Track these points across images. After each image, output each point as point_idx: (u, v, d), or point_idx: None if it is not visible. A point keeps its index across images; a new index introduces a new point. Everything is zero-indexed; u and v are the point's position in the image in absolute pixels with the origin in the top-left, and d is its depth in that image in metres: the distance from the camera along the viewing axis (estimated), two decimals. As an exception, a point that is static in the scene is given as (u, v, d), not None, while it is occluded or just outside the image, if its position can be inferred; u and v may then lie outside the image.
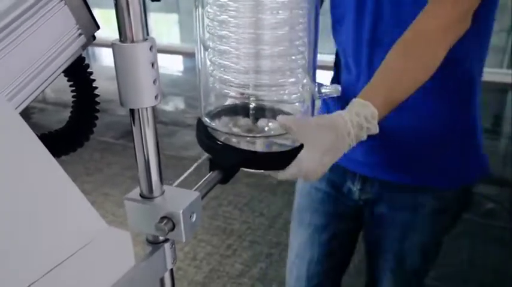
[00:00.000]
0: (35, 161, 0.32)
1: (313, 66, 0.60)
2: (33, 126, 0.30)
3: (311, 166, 0.57)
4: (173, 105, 4.02)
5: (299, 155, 0.57)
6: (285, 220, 2.30)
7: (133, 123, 0.44)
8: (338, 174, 0.99)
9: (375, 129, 0.63)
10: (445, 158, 0.89)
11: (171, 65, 5.13)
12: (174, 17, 5.82)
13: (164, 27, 6.02)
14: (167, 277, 0.50)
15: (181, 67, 5.22)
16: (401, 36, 0.69)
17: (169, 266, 0.48)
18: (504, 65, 4.77)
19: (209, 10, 0.57)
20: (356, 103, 0.63)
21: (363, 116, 0.61)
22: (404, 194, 0.93)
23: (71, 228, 0.36)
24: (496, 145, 3.28)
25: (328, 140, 0.58)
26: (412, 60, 0.68)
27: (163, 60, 5.27)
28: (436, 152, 0.89)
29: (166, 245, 0.48)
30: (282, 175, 0.59)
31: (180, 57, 5.31)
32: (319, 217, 1.07)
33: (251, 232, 2.23)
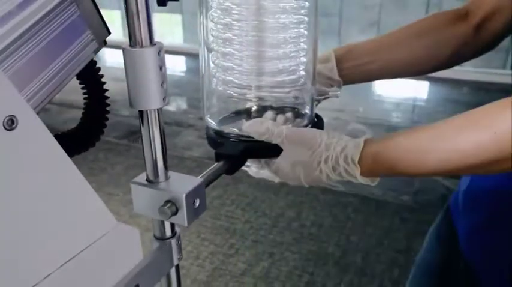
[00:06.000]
0: (50, 160, 0.34)
1: (314, 69, 0.62)
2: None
3: (284, 170, 0.57)
4: (176, 105, 4.04)
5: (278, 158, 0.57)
6: (287, 220, 2.32)
7: (142, 123, 0.46)
8: None
9: (355, 180, 0.55)
10: None
11: (174, 66, 5.15)
12: (177, 18, 5.85)
13: (167, 27, 6.05)
14: (173, 272, 0.52)
15: (184, 67, 5.25)
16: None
17: (175, 261, 0.50)
18: (508, 66, 4.78)
19: (213, 14, 0.59)
20: (349, 147, 0.54)
21: (342, 167, 0.54)
22: None
23: (82, 224, 0.38)
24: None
25: (300, 157, 0.55)
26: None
27: (166, 60, 5.28)
28: None
29: (173, 241, 0.50)
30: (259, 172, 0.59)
31: (183, 58, 5.33)
32: None
33: (254, 231, 2.25)
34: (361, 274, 1.97)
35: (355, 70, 0.74)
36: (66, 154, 0.35)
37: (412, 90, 4.69)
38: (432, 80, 4.60)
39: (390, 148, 0.53)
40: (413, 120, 3.88)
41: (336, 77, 0.72)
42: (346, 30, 5.23)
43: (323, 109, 0.71)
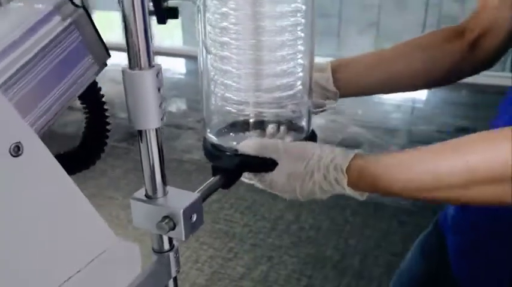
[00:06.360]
0: (54, 182, 0.36)
1: (310, 83, 0.63)
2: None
3: (280, 183, 0.58)
4: (175, 107, 4.05)
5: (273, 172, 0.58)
6: (285, 223, 2.33)
7: (141, 141, 0.47)
8: None
9: (343, 191, 0.57)
10: None
11: (173, 68, 5.17)
12: (176, 20, 5.86)
13: (166, 29, 6.07)
14: (171, 284, 0.54)
15: (183, 69, 5.26)
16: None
17: (173, 274, 0.52)
18: (507, 69, 4.79)
19: (211, 32, 0.60)
20: (339, 156, 0.56)
21: (332, 175, 0.56)
22: None
23: (84, 242, 0.40)
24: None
25: (295, 169, 0.57)
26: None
27: (165, 63, 5.30)
28: None
29: (171, 254, 0.51)
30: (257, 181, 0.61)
31: (182, 60, 5.34)
32: None
33: (252, 235, 2.27)
34: (359, 277, 1.98)
35: (352, 82, 0.75)
36: (68, 176, 0.36)
37: (411, 92, 4.69)
38: (430, 83, 4.62)
39: (374, 163, 0.56)
40: (411, 122, 3.90)
41: (332, 87, 0.73)
42: (345, 31, 5.24)
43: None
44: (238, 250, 2.16)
